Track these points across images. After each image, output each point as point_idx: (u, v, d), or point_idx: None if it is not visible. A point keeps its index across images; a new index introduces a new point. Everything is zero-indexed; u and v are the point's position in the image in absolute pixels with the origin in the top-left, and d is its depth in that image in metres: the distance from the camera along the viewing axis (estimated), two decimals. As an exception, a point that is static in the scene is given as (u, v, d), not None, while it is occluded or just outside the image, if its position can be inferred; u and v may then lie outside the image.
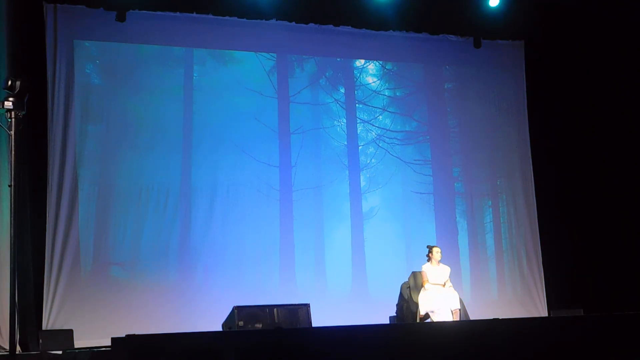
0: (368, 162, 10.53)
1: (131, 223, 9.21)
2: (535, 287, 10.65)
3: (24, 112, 5.56)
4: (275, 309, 7.77)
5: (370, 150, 10.57)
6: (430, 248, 9.05)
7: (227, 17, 9.74)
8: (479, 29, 10.67)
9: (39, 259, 8.54)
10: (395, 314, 9.30)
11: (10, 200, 5.51)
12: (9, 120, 5.50)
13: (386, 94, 10.84)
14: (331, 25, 10.22)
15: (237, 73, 10.01)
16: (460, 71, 11.16)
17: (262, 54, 10.15)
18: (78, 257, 8.84)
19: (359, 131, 10.58)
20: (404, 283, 9.33)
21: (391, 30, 10.42)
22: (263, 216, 9.78)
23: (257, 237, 9.70)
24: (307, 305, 7.95)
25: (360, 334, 5.57)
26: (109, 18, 9.16)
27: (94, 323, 8.55)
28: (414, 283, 9.19)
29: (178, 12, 9.55)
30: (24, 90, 5.55)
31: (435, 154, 10.82)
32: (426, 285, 8.85)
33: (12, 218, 5.48)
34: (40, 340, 7.87)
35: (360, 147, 10.53)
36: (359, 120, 10.60)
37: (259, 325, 7.54)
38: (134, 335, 5.02)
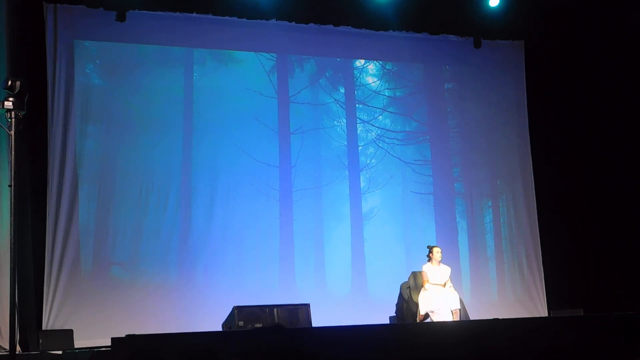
0: (368, 162, 10.53)
1: (131, 223, 9.20)
2: (535, 287, 10.64)
3: (24, 112, 5.55)
4: (275, 309, 7.77)
5: (370, 150, 10.57)
6: (430, 248, 9.05)
7: (227, 17, 9.74)
8: (479, 29, 10.67)
9: (39, 259, 8.54)
10: (395, 314, 9.30)
11: (10, 200, 5.50)
12: (9, 120, 5.49)
13: (386, 94, 10.84)
14: (331, 25, 10.23)
15: (237, 73, 10.01)
16: (460, 71, 11.15)
17: (262, 54, 10.15)
18: (78, 257, 8.84)
19: (359, 131, 10.58)
20: (404, 283, 9.34)
21: (391, 30, 10.42)
22: (263, 216, 9.78)
23: (257, 237, 9.70)
24: (307, 305, 7.96)
25: (360, 334, 5.57)
26: (109, 18, 9.16)
27: (94, 323, 8.55)
28: (414, 283, 9.20)
29: (178, 12, 9.55)
30: (24, 90, 5.55)
31: (435, 154, 10.81)
32: (426, 286, 8.85)
33: (12, 218, 5.48)
34: (40, 340, 7.87)
35: (360, 148, 10.53)
36: (359, 121, 10.60)
37: (259, 325, 7.53)
38: (134, 335, 5.02)
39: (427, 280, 8.87)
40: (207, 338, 5.34)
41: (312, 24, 10.13)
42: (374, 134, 10.61)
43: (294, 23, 10.04)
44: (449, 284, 8.94)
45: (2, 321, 7.90)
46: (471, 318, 9.00)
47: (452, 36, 10.86)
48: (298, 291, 9.58)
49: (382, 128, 10.66)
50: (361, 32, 10.35)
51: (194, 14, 9.61)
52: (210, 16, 9.69)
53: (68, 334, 8.07)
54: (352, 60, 10.76)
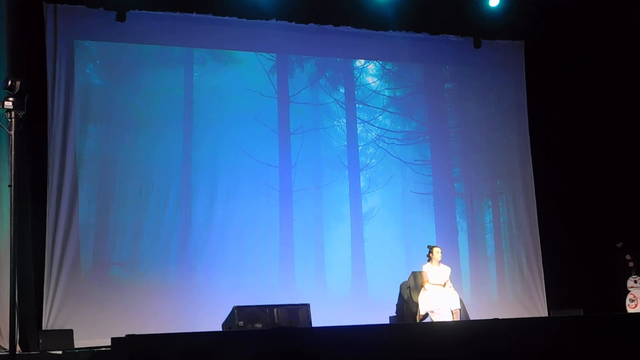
0: (368, 162, 10.53)
1: (131, 223, 9.20)
2: (535, 287, 10.64)
3: (24, 112, 5.55)
4: (275, 309, 7.77)
5: (370, 150, 10.57)
6: (430, 248, 9.05)
7: (227, 17, 9.75)
8: (479, 29, 10.67)
9: (39, 259, 8.54)
10: (395, 314, 9.30)
11: (10, 200, 5.50)
12: (9, 120, 5.49)
13: (386, 94, 10.84)
14: (331, 25, 10.23)
15: (237, 73, 10.01)
16: (460, 71, 11.15)
17: (262, 54, 10.15)
18: (78, 257, 8.84)
19: (358, 131, 10.58)
20: (404, 283, 9.34)
21: (391, 30, 10.42)
22: (263, 216, 9.78)
23: (257, 237, 9.70)
24: (307, 305, 7.95)
25: (360, 334, 5.57)
26: (109, 18, 9.17)
27: (94, 323, 8.55)
28: (414, 283, 9.20)
29: (178, 12, 9.56)
30: (24, 90, 5.55)
31: (435, 154, 10.81)
32: (426, 286, 8.86)
33: (12, 218, 5.48)
34: (40, 340, 7.87)
35: (360, 148, 10.53)
36: (359, 121, 10.60)
37: (259, 325, 7.53)
38: (134, 335, 5.02)
39: (427, 280, 8.87)
40: (207, 338, 5.34)
41: (312, 24, 10.14)
42: (374, 134, 10.61)
43: (294, 23, 10.05)
44: (449, 284, 8.94)
45: (2, 321, 7.90)
46: (471, 318, 9.00)
47: (452, 36, 10.86)
48: (298, 291, 9.58)
49: (382, 128, 10.66)
50: (361, 32, 10.35)
51: (194, 14, 9.62)
52: (210, 16, 9.69)
53: (68, 334, 8.07)
54: (352, 60, 10.76)
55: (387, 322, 9.09)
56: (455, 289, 8.94)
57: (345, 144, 10.45)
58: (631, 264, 9.89)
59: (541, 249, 10.77)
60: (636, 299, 9.67)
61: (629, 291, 9.78)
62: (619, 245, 10.06)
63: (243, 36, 9.94)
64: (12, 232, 5.45)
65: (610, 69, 10.39)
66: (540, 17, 10.46)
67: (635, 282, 9.77)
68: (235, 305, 7.66)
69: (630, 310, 9.67)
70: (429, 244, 9.17)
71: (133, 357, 4.87)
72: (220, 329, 7.72)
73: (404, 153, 10.64)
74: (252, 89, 9.98)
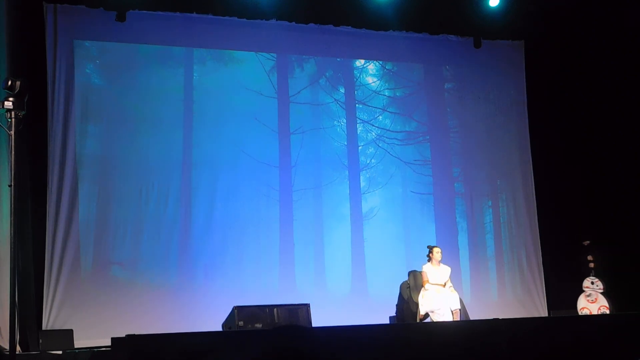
0: (368, 162, 10.53)
1: (131, 223, 9.20)
2: (535, 288, 10.64)
3: (24, 112, 5.56)
4: (275, 309, 7.77)
5: (370, 150, 10.57)
6: (430, 248, 9.06)
7: (227, 17, 9.74)
8: (479, 29, 10.67)
9: (39, 259, 8.54)
10: (395, 314, 9.30)
11: (10, 200, 5.51)
12: (9, 120, 5.50)
13: (386, 94, 10.84)
14: (331, 25, 10.22)
15: (237, 73, 10.01)
16: (460, 71, 11.15)
17: (262, 54, 10.15)
18: (78, 257, 8.84)
19: (359, 131, 10.58)
20: (404, 282, 9.33)
21: (391, 30, 10.42)
22: (263, 216, 9.78)
23: (257, 237, 9.70)
24: (307, 305, 7.96)
25: (360, 334, 5.57)
26: (109, 18, 9.16)
27: (94, 323, 8.54)
28: (414, 283, 9.20)
29: (178, 12, 9.55)
30: (24, 90, 5.56)
31: (435, 154, 10.81)
32: (426, 286, 8.86)
33: (12, 218, 5.48)
34: (40, 340, 7.88)
35: (360, 148, 10.53)
36: (359, 121, 10.60)
37: (259, 325, 7.54)
38: (134, 335, 5.03)
39: (427, 280, 8.88)
40: (207, 338, 5.34)
41: (312, 24, 10.13)
42: (374, 134, 10.61)
43: (294, 23, 10.04)
44: (449, 284, 8.94)
45: (2, 321, 7.90)
46: (471, 318, 8.99)
47: (452, 36, 10.85)
48: (298, 291, 9.58)
49: (382, 128, 10.66)
50: (361, 32, 10.34)
51: (194, 14, 9.61)
52: (210, 16, 9.68)
53: (68, 334, 8.07)
54: (352, 60, 10.76)
55: (387, 322, 9.09)
56: (455, 289, 8.94)
57: (345, 144, 10.46)
58: (591, 265, 9.91)
59: (541, 249, 10.77)
60: (595, 294, 9.71)
61: (584, 291, 9.81)
62: (586, 243, 10.07)
63: (243, 36, 9.93)
64: (12, 232, 5.46)
65: (610, 69, 10.38)
66: (540, 17, 10.45)
67: (592, 282, 9.79)
68: (235, 305, 7.66)
69: (588, 304, 9.67)
70: (428, 244, 9.18)
71: (133, 357, 4.87)
72: (220, 329, 7.72)
73: (404, 153, 10.63)
74: (252, 89, 9.98)
